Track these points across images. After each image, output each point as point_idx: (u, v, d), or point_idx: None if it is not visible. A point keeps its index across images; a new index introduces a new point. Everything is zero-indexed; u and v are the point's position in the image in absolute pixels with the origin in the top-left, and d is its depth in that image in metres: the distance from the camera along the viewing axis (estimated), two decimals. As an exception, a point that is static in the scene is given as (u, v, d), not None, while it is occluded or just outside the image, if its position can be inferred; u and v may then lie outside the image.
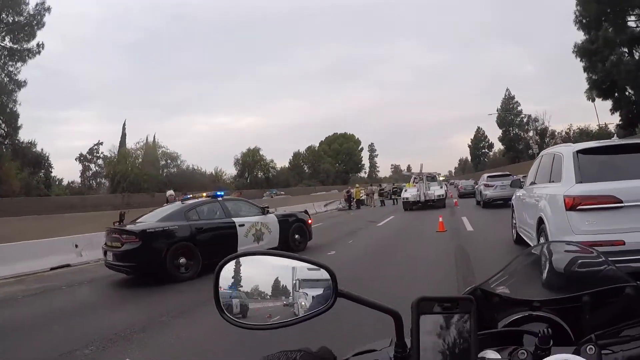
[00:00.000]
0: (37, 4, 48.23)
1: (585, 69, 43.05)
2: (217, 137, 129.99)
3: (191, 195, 11.53)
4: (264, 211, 10.89)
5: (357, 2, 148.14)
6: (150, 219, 9.64)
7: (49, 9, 49.01)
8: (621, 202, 5.47)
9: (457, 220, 17.23)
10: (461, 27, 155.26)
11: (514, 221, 9.84)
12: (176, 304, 6.98)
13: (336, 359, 1.08)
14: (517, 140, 74.77)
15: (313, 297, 1.04)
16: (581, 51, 42.23)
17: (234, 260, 1.08)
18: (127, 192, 55.32)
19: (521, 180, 10.99)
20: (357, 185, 38.60)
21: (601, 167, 6.11)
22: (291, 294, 1.03)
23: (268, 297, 1.04)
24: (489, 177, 24.70)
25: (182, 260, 8.98)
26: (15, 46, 47.83)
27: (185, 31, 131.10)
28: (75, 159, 70.99)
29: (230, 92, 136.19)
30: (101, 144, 71.25)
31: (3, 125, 48.68)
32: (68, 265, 12.18)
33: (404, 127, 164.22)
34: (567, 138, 61.31)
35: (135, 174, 61.93)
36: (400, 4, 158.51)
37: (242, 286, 1.06)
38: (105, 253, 9.40)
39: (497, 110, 72.56)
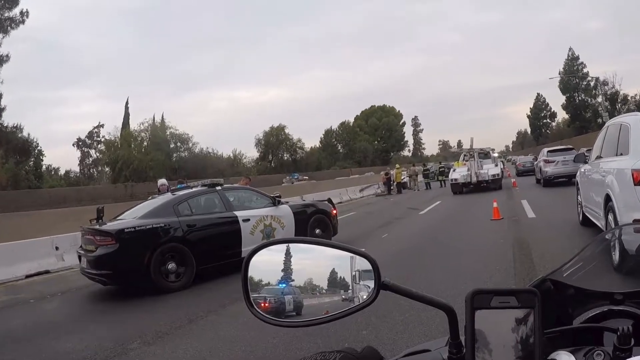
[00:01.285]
0: None
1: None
2: (238, 114, 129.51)
3: (186, 184, 10.86)
4: (275, 202, 10.20)
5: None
6: (133, 215, 9.05)
7: None
8: None
9: (516, 204, 16.39)
10: None
11: (579, 200, 10.00)
12: (158, 323, 6.39)
13: None
14: (584, 108, 72.41)
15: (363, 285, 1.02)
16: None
17: (271, 249, 1.05)
18: (130, 181, 55.29)
19: (585, 154, 10.94)
20: (397, 165, 37.48)
21: None
22: (350, 287, 1.02)
23: (324, 291, 1.03)
24: (549, 152, 24.69)
25: (171, 265, 8.44)
26: None
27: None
28: (73, 145, 71.56)
29: (252, 61, 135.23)
30: (102, 126, 71.65)
31: None
32: (47, 272, 11.80)
33: (453, 98, 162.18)
34: (643, 102, 58.94)
35: (139, 160, 61.66)
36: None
37: (293, 280, 1.03)
38: (80, 258, 8.93)
39: (560, 74, 70.17)
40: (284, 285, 1.03)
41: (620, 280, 1.43)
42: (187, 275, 8.52)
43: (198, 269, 8.64)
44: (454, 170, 27.17)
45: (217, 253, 8.96)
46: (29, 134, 54.69)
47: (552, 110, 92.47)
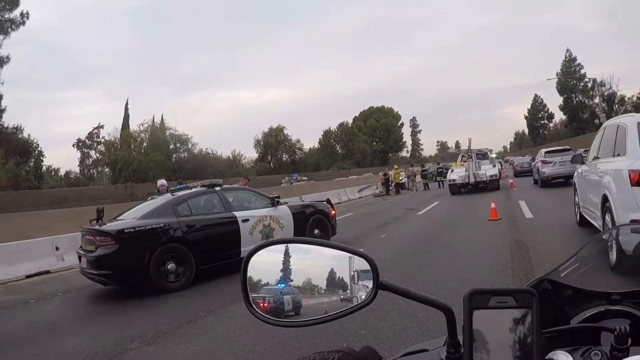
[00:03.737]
0: None
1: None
2: (239, 115, 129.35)
3: (185, 185, 10.85)
4: (274, 202, 10.19)
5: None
6: (133, 216, 9.04)
7: None
8: None
9: (514, 205, 16.38)
10: None
11: (577, 201, 10.08)
12: (157, 323, 6.38)
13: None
14: (582, 109, 72.20)
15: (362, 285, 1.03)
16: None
17: (270, 249, 1.06)
18: (130, 182, 54.96)
19: (583, 155, 11.02)
20: (395, 166, 37.40)
21: None
22: (349, 287, 1.02)
23: (323, 291, 1.02)
24: (546, 152, 24.85)
25: (171, 265, 8.42)
26: None
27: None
28: (73, 146, 71.50)
29: (252, 62, 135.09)
30: (102, 127, 71.64)
31: None
32: (47, 272, 11.78)
33: (451, 99, 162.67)
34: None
35: (139, 161, 61.53)
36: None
37: (292, 280, 1.03)
38: (80, 258, 8.92)
39: (557, 75, 70.03)
40: (282, 285, 1.03)
41: (618, 281, 1.43)
42: (187, 275, 8.50)
43: (198, 269, 8.62)
44: (452, 171, 27.22)
45: (216, 253, 8.93)
46: (29, 135, 54.28)
47: (550, 112, 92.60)
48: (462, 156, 28.18)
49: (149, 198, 10.45)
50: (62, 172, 69.09)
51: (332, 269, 1.03)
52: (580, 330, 1.12)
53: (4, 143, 48.36)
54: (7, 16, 47.36)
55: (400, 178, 35.64)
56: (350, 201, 31.85)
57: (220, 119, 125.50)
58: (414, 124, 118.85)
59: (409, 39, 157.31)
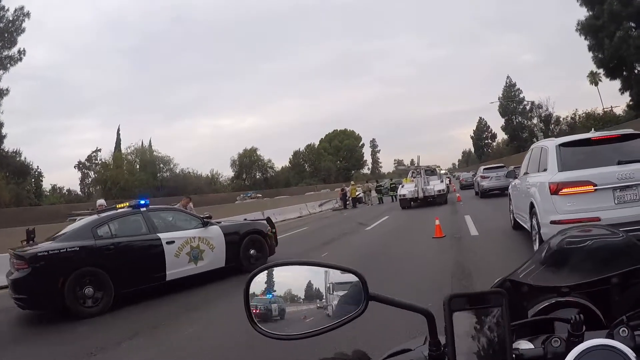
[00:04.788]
0: (15, 10, 47.52)
1: (591, 48, 40.69)
2: (220, 139, 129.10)
3: (119, 205, 9.33)
4: (204, 223, 8.71)
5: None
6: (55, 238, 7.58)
7: (28, 14, 48.03)
8: (595, 185, 6.46)
9: (460, 219, 14.89)
10: (459, 20, 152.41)
11: (511, 208, 10.73)
12: (74, 350, 5.35)
13: None
14: (521, 129, 71.99)
15: (346, 299, 1.04)
16: (586, 28, 39.89)
17: (266, 271, 1.08)
18: (117, 199, 53.04)
19: (515, 171, 11.83)
20: (352, 182, 36.05)
21: (579, 157, 7.00)
22: (324, 297, 1.05)
23: (301, 300, 1.05)
24: (484, 169, 26.81)
25: (88, 290, 7.07)
26: None
27: (184, 33, 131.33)
28: (74, 167, 69.95)
29: (231, 93, 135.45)
30: (99, 150, 70.00)
31: None
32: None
33: (406, 122, 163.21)
34: (573, 123, 58.45)
35: (126, 180, 60.46)
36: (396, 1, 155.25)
37: (275, 291, 1.07)
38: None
39: (499, 99, 69.91)
40: (270, 295, 1.06)
41: (568, 276, 1.40)
42: (105, 300, 7.16)
43: (118, 293, 7.27)
44: (402, 187, 25.61)
45: (138, 277, 7.60)
46: (25, 158, 53.94)
47: (493, 132, 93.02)
48: (412, 172, 26.79)
49: (68, 219, 8.88)
50: (65, 191, 68.56)
51: (310, 281, 1.05)
52: (536, 321, 1.14)
53: (4, 166, 48.68)
54: (5, 53, 47.24)
55: (357, 193, 34.29)
56: (311, 215, 30.48)
57: (203, 143, 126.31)
58: (373, 144, 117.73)
59: (367, 71, 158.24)
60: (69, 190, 68.92)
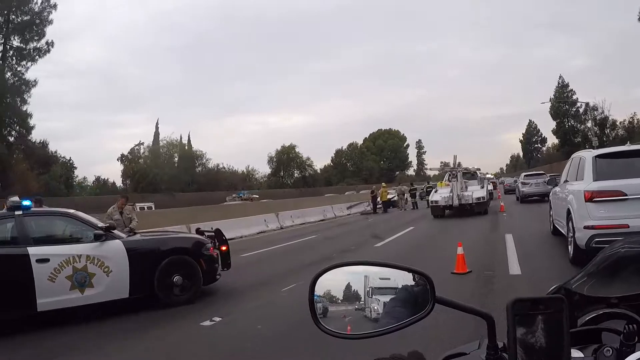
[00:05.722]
0: (42, 1, 47.83)
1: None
2: (264, 136, 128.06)
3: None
4: (100, 236, 6.13)
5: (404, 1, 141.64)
6: None
7: (54, 6, 48.28)
8: (626, 195, 6.89)
9: (498, 240, 11.33)
10: (511, 21, 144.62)
11: (551, 214, 11.15)
12: None
13: None
14: (573, 133, 66.62)
15: (385, 302, 1.07)
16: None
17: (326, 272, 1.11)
18: (143, 192, 52.34)
19: (556, 178, 12.30)
20: (383, 184, 32.74)
21: (614, 168, 7.52)
22: (363, 299, 1.08)
23: (340, 301, 1.09)
24: (525, 175, 28.40)
25: None
26: (26, 46, 47.89)
27: (233, 33, 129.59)
28: (117, 160, 69.86)
29: (279, 91, 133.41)
30: (142, 144, 69.74)
31: (16, 126, 48.78)
32: None
33: (454, 124, 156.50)
34: (631, 128, 53.84)
35: (154, 174, 59.14)
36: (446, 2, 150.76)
37: (321, 294, 1.10)
38: None
39: (550, 100, 64.78)
40: (316, 296, 1.10)
41: (619, 287, 1.40)
42: None
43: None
44: (435, 192, 22.25)
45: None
46: (50, 149, 54.53)
47: (543, 136, 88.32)
48: (449, 175, 22.91)
49: None
50: (101, 182, 68.92)
51: (349, 283, 1.10)
52: (585, 331, 1.17)
53: (29, 156, 49.47)
54: (33, 45, 47.99)
55: (389, 197, 31.29)
56: (336, 218, 27.80)
57: (247, 140, 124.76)
58: (419, 145, 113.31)
59: (412, 71, 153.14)
60: (104, 182, 68.87)
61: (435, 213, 20.77)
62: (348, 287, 1.08)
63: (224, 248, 7.46)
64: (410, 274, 1.08)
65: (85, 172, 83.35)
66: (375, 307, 1.06)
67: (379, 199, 30.27)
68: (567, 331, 0.87)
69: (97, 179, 66.65)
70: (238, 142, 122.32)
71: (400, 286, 1.07)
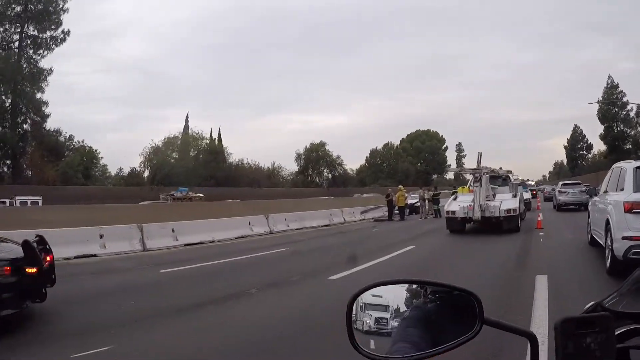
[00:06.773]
0: None
1: None
2: (297, 135, 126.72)
3: None
4: None
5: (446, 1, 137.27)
6: None
7: None
8: None
9: (525, 288, 6.93)
10: (553, 22, 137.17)
11: (589, 224, 10.95)
12: None
13: None
14: (622, 139, 61.32)
15: (376, 318, 1.09)
16: None
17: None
18: (159, 185, 51.11)
19: (596, 188, 11.68)
20: (400, 187, 28.07)
21: None
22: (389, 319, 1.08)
23: (372, 321, 1.09)
24: (562, 184, 29.29)
25: None
26: (42, 35, 48.81)
27: (272, 32, 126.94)
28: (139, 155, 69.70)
29: (316, 90, 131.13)
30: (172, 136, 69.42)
31: (31, 114, 49.37)
32: None
33: (495, 128, 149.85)
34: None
35: (172, 166, 58.49)
36: (487, 3, 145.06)
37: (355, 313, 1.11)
38: None
39: (598, 101, 59.14)
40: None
41: None
42: None
43: None
44: (454, 199, 17.62)
45: None
46: (68, 136, 55.43)
47: (589, 142, 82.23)
48: (474, 177, 17.37)
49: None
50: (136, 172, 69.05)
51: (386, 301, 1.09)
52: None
53: (41, 144, 50.04)
54: (49, 34, 49.02)
55: (409, 201, 27.45)
56: (344, 223, 24.56)
57: (281, 139, 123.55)
58: (459, 148, 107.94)
59: (455, 73, 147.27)
60: (129, 173, 68.12)
61: (452, 227, 16.54)
62: (382, 306, 1.08)
63: (41, 267, 4.97)
64: (421, 289, 1.09)
65: (125, 163, 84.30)
66: (367, 321, 1.08)
67: (395, 204, 26.52)
68: (614, 349, 0.89)
69: (132, 170, 65.64)
70: (273, 141, 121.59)
71: (390, 303, 1.07)
